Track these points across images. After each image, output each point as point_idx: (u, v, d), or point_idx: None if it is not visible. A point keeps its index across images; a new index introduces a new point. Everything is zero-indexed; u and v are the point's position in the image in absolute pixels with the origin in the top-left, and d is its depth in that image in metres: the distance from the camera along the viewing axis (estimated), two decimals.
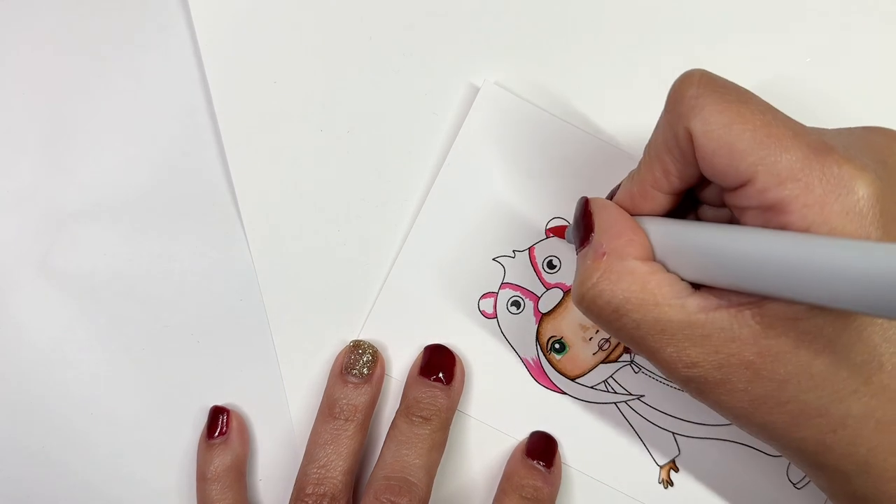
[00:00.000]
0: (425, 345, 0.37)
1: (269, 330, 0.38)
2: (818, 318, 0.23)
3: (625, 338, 0.27)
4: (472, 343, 0.37)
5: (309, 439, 0.35)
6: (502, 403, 0.37)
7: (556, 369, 0.37)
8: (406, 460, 0.33)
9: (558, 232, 0.37)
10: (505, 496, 0.34)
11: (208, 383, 0.38)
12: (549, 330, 0.37)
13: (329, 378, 0.36)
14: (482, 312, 0.37)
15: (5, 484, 0.38)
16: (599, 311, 0.27)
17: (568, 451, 0.37)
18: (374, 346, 0.36)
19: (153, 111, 0.39)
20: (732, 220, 0.27)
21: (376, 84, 0.38)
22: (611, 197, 0.31)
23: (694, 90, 0.25)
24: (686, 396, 0.36)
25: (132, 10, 0.39)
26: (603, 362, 0.37)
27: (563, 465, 0.36)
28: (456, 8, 0.39)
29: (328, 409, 0.35)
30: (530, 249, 0.37)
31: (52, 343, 0.38)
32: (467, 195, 0.37)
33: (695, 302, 0.25)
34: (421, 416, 0.34)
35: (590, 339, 0.37)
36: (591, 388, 0.37)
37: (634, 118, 0.38)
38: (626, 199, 0.29)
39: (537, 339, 0.37)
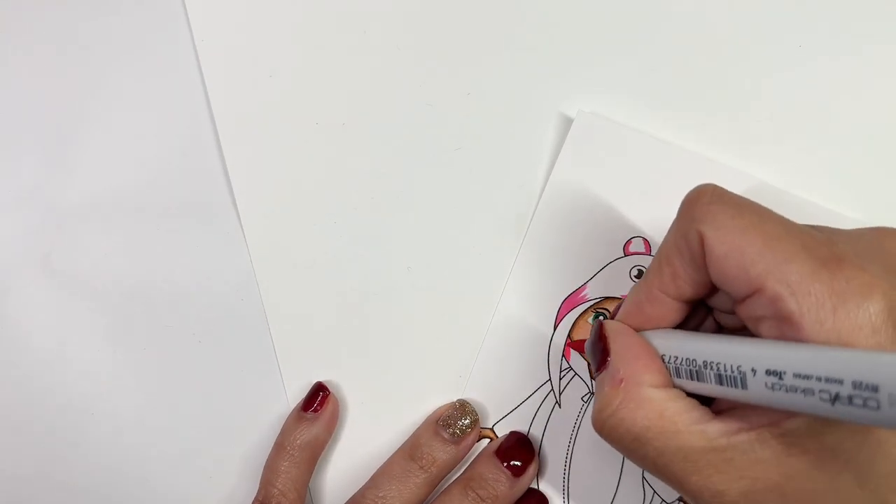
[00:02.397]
0: (512, 430, 0.36)
1: (269, 330, 0.38)
2: (838, 433, 0.23)
3: (649, 466, 0.26)
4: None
5: (380, 467, 0.36)
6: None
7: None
8: None
9: (578, 346, 0.36)
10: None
11: (209, 383, 0.38)
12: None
13: (424, 422, 0.37)
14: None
15: (5, 484, 0.38)
16: (620, 440, 0.27)
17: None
18: (476, 414, 0.36)
19: (154, 111, 0.39)
20: (745, 329, 0.26)
21: (374, 77, 0.38)
22: (615, 313, 0.30)
23: (707, 198, 0.26)
24: None
25: (132, 10, 0.39)
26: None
27: None
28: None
29: (410, 450, 0.36)
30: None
31: (52, 343, 0.38)
32: (563, 218, 0.37)
33: (715, 427, 0.25)
34: (478, 495, 0.34)
35: None
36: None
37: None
38: (633, 308, 0.29)
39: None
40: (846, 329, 0.22)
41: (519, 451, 0.35)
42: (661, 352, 0.27)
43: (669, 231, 0.27)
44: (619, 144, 0.36)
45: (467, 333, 0.37)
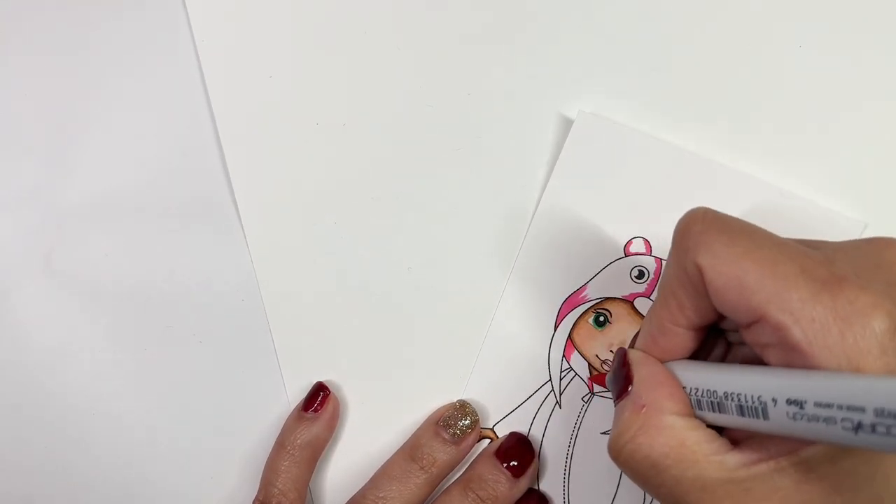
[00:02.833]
0: (512, 431, 0.36)
1: (270, 330, 0.38)
2: (854, 458, 0.23)
3: (664, 494, 0.26)
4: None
5: (380, 467, 0.36)
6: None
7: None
8: None
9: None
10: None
11: (209, 383, 0.38)
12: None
13: (424, 423, 0.37)
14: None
15: (7, 484, 0.38)
16: (637, 466, 0.26)
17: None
18: (477, 414, 0.36)
19: (154, 111, 0.39)
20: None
21: (374, 77, 0.38)
22: (631, 345, 0.30)
23: (699, 225, 0.25)
24: None
25: (133, 10, 0.39)
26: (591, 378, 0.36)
27: None
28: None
29: (410, 450, 0.36)
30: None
31: (53, 343, 0.38)
32: (563, 219, 0.37)
33: (734, 458, 0.25)
34: (477, 496, 0.34)
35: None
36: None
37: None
38: (647, 340, 0.29)
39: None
40: (855, 353, 0.22)
41: (519, 451, 0.35)
42: (683, 384, 0.27)
43: (668, 262, 0.27)
44: (620, 145, 0.36)
45: (468, 333, 0.37)
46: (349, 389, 0.38)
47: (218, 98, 0.38)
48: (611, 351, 0.36)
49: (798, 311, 0.22)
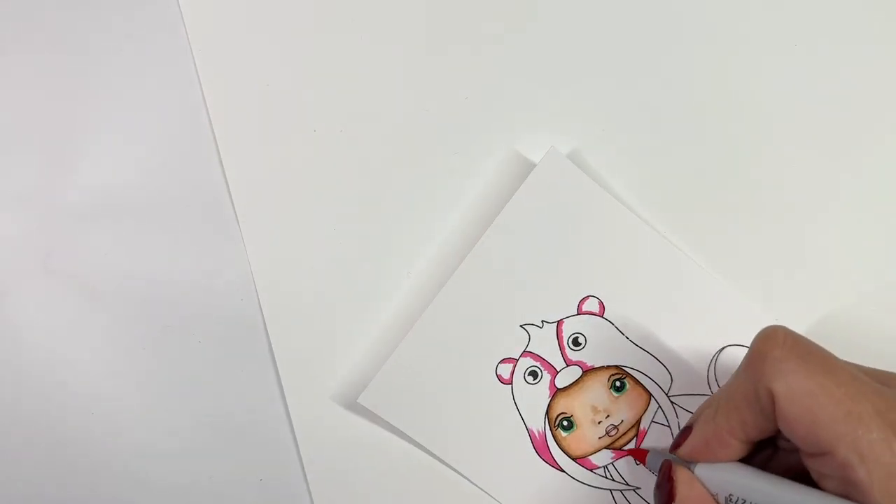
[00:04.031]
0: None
1: (268, 330, 0.38)
2: None
3: None
4: (482, 406, 0.37)
5: None
6: (500, 470, 0.37)
7: (559, 446, 0.37)
8: None
9: (638, 454, 0.36)
10: None
11: (209, 383, 0.38)
12: (561, 406, 0.37)
13: None
14: (498, 377, 0.37)
15: (6, 484, 0.38)
16: None
17: None
18: None
19: (153, 111, 0.38)
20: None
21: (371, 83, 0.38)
22: (682, 439, 0.30)
23: (779, 352, 0.25)
24: None
25: (131, 11, 0.38)
26: (607, 447, 0.37)
27: None
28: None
29: None
30: (559, 323, 0.36)
31: (52, 343, 0.38)
32: (509, 258, 0.36)
33: None
34: None
35: (599, 423, 0.37)
36: (591, 471, 0.37)
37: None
38: (700, 444, 0.29)
39: (547, 412, 0.37)
40: None
41: None
42: (730, 491, 0.28)
43: (737, 376, 0.27)
44: (581, 195, 0.36)
45: None
46: (346, 391, 0.38)
47: (216, 106, 0.38)
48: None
49: (867, 452, 0.23)
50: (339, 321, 0.38)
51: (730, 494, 0.28)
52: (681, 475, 0.30)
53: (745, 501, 0.27)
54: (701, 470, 0.30)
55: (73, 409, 0.38)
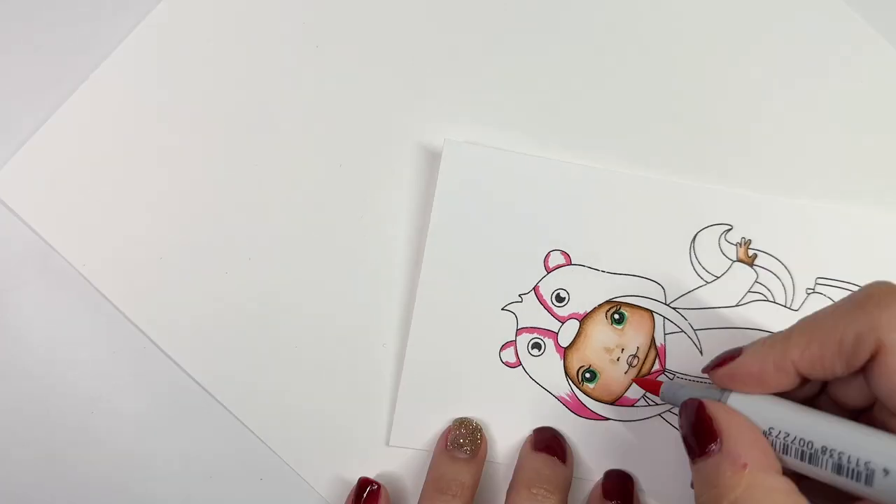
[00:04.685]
0: (539, 427, 0.37)
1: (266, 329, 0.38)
2: None
3: None
4: (504, 395, 0.37)
5: None
6: None
7: (592, 398, 0.37)
8: None
9: (649, 386, 0.35)
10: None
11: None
12: (576, 361, 0.37)
13: (434, 453, 0.36)
14: (506, 364, 0.37)
15: (6, 484, 0.38)
16: None
17: (630, 472, 0.37)
18: (479, 424, 0.36)
19: (154, 111, 0.39)
20: (858, 408, 0.26)
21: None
22: (722, 362, 0.29)
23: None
24: None
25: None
26: (635, 379, 0.37)
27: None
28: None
29: (434, 484, 0.35)
30: (535, 289, 0.37)
31: (52, 343, 0.39)
32: (459, 255, 0.37)
33: None
34: (544, 489, 0.34)
35: (617, 360, 0.37)
36: (633, 406, 0.37)
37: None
38: (754, 368, 0.27)
39: (566, 373, 0.37)
40: None
41: (553, 440, 0.36)
42: (770, 424, 0.26)
43: (834, 312, 0.26)
44: (493, 166, 0.38)
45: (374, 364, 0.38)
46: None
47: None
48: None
49: None
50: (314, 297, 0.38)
51: (770, 428, 0.26)
52: (716, 407, 0.28)
53: (787, 436, 0.26)
54: (735, 401, 0.28)
55: (73, 409, 0.38)
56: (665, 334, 0.37)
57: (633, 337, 0.37)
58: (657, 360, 0.37)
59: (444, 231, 0.38)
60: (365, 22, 0.40)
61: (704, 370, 0.31)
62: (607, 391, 0.37)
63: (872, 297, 0.25)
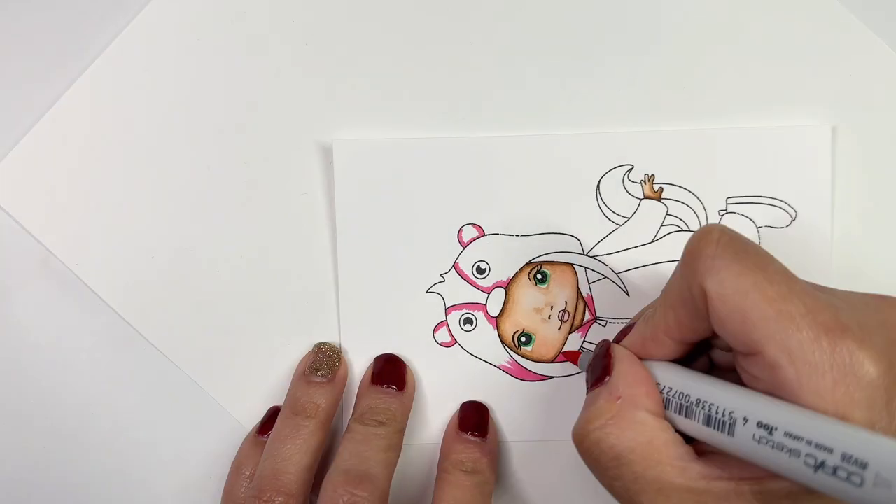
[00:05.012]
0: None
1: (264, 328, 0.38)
2: (816, 501, 0.23)
3: (618, 489, 0.26)
4: (444, 376, 0.37)
5: (269, 437, 0.35)
6: (503, 416, 0.37)
7: (532, 360, 0.37)
8: (364, 455, 0.33)
9: (570, 356, 0.36)
10: (446, 474, 0.35)
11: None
12: (510, 328, 0.37)
13: (293, 380, 0.37)
14: (441, 344, 0.37)
15: (5, 484, 0.38)
16: (599, 455, 0.27)
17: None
18: (337, 348, 0.37)
19: (146, 110, 0.39)
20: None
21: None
22: (622, 335, 0.31)
23: (712, 249, 0.25)
24: None
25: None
26: (571, 332, 0.37)
27: None
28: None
29: (290, 408, 0.35)
30: (455, 266, 0.38)
31: (52, 342, 0.39)
32: (372, 248, 0.38)
33: (697, 468, 0.25)
34: (376, 420, 0.35)
35: (549, 318, 0.37)
36: (575, 361, 0.37)
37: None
38: (637, 342, 0.29)
39: (502, 342, 0.37)
40: (844, 403, 0.22)
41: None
42: (657, 381, 0.28)
43: (673, 277, 0.27)
44: (387, 156, 0.38)
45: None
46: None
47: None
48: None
49: (796, 352, 0.23)
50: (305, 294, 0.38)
51: (657, 384, 0.28)
52: (618, 350, 0.29)
53: (669, 390, 0.27)
54: None
55: (73, 409, 0.38)
56: (589, 283, 0.37)
57: (559, 293, 0.37)
58: (587, 311, 0.37)
59: (353, 227, 0.38)
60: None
61: (614, 341, 0.31)
62: (545, 350, 0.37)
63: (693, 249, 0.26)
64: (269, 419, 0.37)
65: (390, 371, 0.36)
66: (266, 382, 0.38)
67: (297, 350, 0.38)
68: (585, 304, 0.37)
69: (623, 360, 0.29)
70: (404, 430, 0.35)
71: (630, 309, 0.37)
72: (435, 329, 0.38)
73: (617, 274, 0.37)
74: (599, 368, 0.29)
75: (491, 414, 0.37)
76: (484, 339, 0.37)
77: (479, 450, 0.35)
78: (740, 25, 0.38)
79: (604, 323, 0.37)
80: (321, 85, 0.39)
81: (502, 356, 0.37)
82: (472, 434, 0.36)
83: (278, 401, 0.38)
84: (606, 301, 0.37)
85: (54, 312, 0.39)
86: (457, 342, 0.37)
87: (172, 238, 0.38)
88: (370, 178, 0.38)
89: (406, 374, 0.36)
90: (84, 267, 0.38)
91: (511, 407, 0.37)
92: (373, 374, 0.36)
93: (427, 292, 0.38)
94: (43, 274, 0.39)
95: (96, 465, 0.38)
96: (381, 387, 0.36)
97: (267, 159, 0.39)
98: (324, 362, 0.36)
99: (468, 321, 0.37)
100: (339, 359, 0.36)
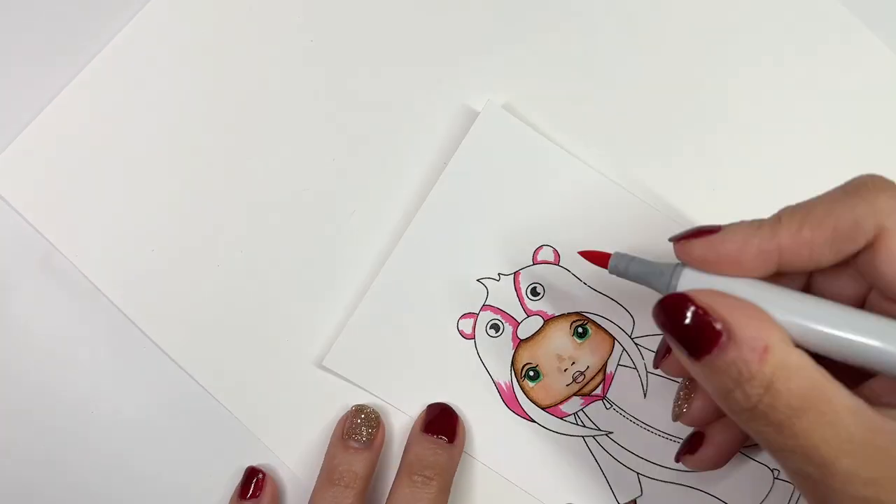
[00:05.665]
0: (429, 403, 0.37)
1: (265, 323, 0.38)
2: None
3: (789, 443, 0.23)
4: (446, 363, 0.37)
5: None
6: (470, 424, 0.37)
7: (528, 397, 0.37)
8: None
9: (596, 257, 0.33)
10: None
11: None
12: (526, 357, 0.37)
13: (330, 442, 0.36)
14: (461, 332, 0.37)
15: (5, 484, 0.38)
16: (777, 417, 0.22)
17: (533, 479, 0.37)
18: (377, 412, 0.36)
19: (148, 103, 0.40)
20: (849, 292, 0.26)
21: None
22: (697, 233, 0.26)
23: (894, 191, 0.24)
24: (654, 438, 0.36)
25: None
26: (575, 395, 0.37)
27: (529, 496, 0.36)
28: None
29: (328, 476, 0.35)
30: (516, 274, 0.38)
31: (52, 342, 0.39)
32: (459, 214, 0.38)
33: (865, 407, 0.22)
34: (424, 476, 0.34)
35: (565, 370, 0.37)
36: (561, 419, 0.36)
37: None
38: (734, 246, 0.25)
39: (512, 364, 0.37)
40: None
41: (443, 419, 0.36)
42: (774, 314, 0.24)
43: (827, 199, 0.24)
44: (525, 145, 0.38)
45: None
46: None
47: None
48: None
49: None
50: (306, 289, 0.38)
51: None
52: (704, 294, 0.24)
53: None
54: (690, 280, 0.26)
55: (73, 408, 0.38)
56: (618, 365, 0.37)
57: (587, 355, 0.37)
58: (601, 386, 0.37)
59: (454, 185, 0.38)
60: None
61: (672, 239, 0.27)
62: (543, 395, 0.37)
63: (867, 184, 0.24)
64: (248, 480, 0.36)
65: (443, 421, 0.36)
66: (267, 379, 0.38)
67: (297, 345, 0.38)
68: (603, 379, 0.37)
69: (724, 301, 0.24)
70: (450, 485, 0.35)
71: (637, 409, 0.36)
72: (463, 316, 0.38)
73: (647, 372, 0.37)
74: (703, 327, 0.24)
75: (475, 428, 0.37)
76: (498, 351, 0.37)
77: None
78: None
79: (608, 405, 0.37)
80: (321, 74, 0.40)
81: (504, 376, 0.37)
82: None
83: (278, 399, 0.38)
84: (623, 389, 0.37)
85: (54, 310, 0.39)
86: (475, 339, 0.37)
87: (172, 231, 0.39)
88: (494, 151, 0.38)
89: (458, 427, 0.36)
90: (84, 259, 0.38)
91: (483, 424, 0.37)
92: (425, 423, 0.36)
93: (478, 280, 0.38)
94: (43, 274, 0.39)
95: (96, 464, 0.38)
96: (433, 436, 0.35)
97: (268, 154, 0.39)
98: (363, 426, 0.36)
99: (495, 327, 0.37)
100: (379, 423, 0.36)
